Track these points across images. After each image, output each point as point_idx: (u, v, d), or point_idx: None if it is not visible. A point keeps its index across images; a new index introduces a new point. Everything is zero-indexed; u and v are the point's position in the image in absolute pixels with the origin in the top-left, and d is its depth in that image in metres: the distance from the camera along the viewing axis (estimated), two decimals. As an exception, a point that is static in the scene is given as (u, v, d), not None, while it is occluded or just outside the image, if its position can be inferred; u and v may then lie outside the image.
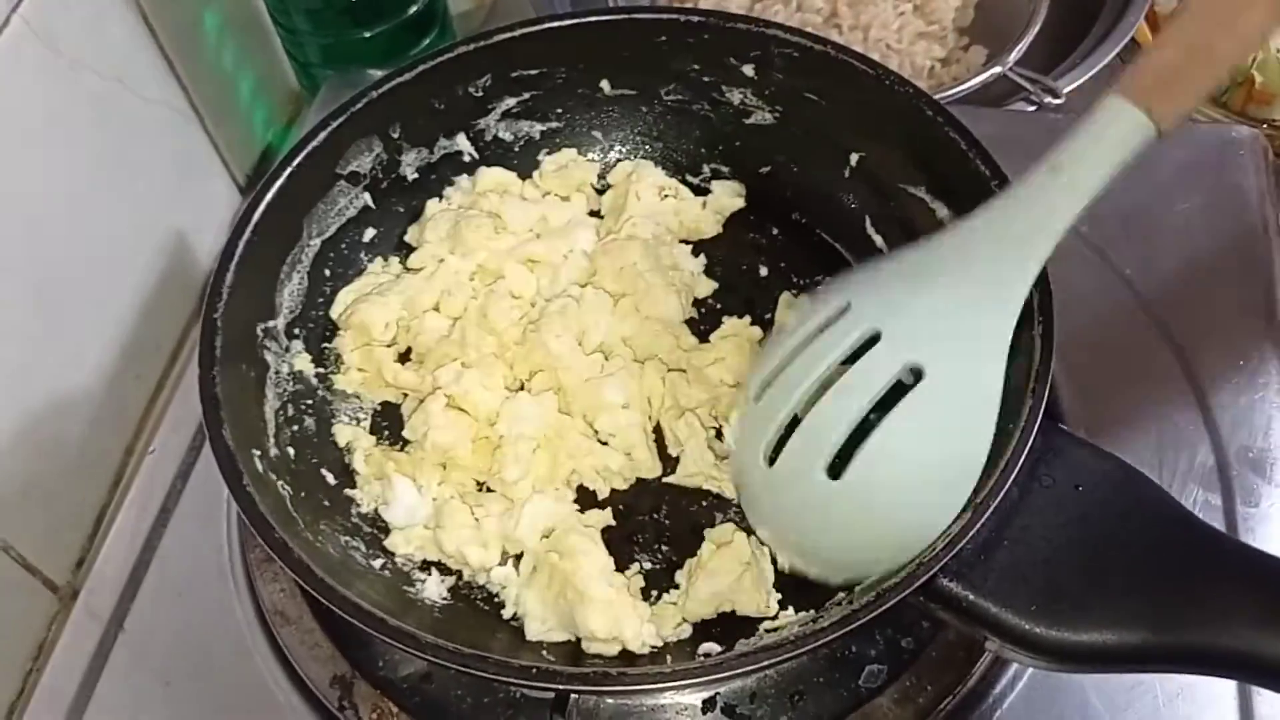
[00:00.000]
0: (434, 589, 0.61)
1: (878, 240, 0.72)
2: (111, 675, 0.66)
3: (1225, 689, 0.60)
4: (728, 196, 0.77)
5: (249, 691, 0.64)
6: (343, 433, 0.67)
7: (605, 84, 0.75)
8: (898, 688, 0.59)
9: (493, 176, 0.75)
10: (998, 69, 0.87)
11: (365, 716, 0.60)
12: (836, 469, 0.53)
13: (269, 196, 0.64)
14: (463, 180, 0.76)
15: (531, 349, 0.67)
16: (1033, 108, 0.87)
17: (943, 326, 0.53)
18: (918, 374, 0.53)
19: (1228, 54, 0.52)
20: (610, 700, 0.59)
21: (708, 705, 0.59)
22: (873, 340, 0.54)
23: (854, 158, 0.71)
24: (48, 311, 0.73)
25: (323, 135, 0.67)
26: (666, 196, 0.76)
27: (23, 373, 0.70)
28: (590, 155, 0.79)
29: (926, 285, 0.54)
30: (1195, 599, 0.49)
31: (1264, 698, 0.60)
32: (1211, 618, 0.48)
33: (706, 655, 0.56)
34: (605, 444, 0.66)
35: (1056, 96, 0.85)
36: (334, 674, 0.62)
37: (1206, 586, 0.49)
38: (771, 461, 0.55)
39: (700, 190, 0.77)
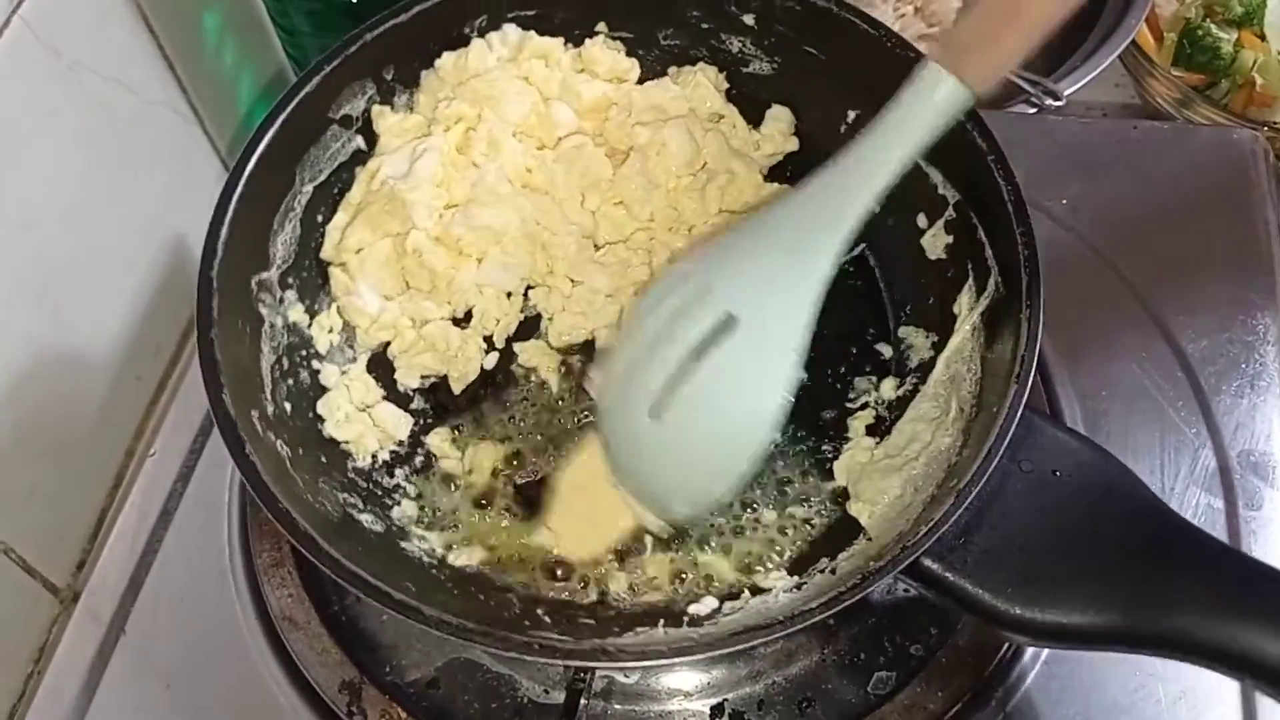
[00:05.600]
0: (432, 545, 0.62)
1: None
2: (112, 678, 0.66)
3: (1228, 692, 0.61)
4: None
5: (250, 694, 0.64)
6: (329, 376, 0.67)
7: (602, 26, 0.73)
8: (907, 694, 0.59)
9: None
10: (998, 71, 0.86)
11: (371, 721, 0.61)
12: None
13: (262, 145, 0.63)
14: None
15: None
16: (1034, 110, 0.87)
17: (758, 279, 0.56)
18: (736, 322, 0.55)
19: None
20: (618, 705, 0.59)
21: (716, 712, 0.60)
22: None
23: (850, 115, 0.70)
24: (48, 313, 0.72)
25: (316, 80, 0.66)
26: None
27: (24, 375, 0.70)
28: None
29: (754, 246, 0.58)
30: (1160, 587, 0.50)
31: (1267, 701, 0.60)
32: (1174, 605, 0.49)
33: (693, 618, 0.57)
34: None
35: (1057, 99, 0.85)
36: (342, 679, 0.62)
37: (1172, 575, 0.51)
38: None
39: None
